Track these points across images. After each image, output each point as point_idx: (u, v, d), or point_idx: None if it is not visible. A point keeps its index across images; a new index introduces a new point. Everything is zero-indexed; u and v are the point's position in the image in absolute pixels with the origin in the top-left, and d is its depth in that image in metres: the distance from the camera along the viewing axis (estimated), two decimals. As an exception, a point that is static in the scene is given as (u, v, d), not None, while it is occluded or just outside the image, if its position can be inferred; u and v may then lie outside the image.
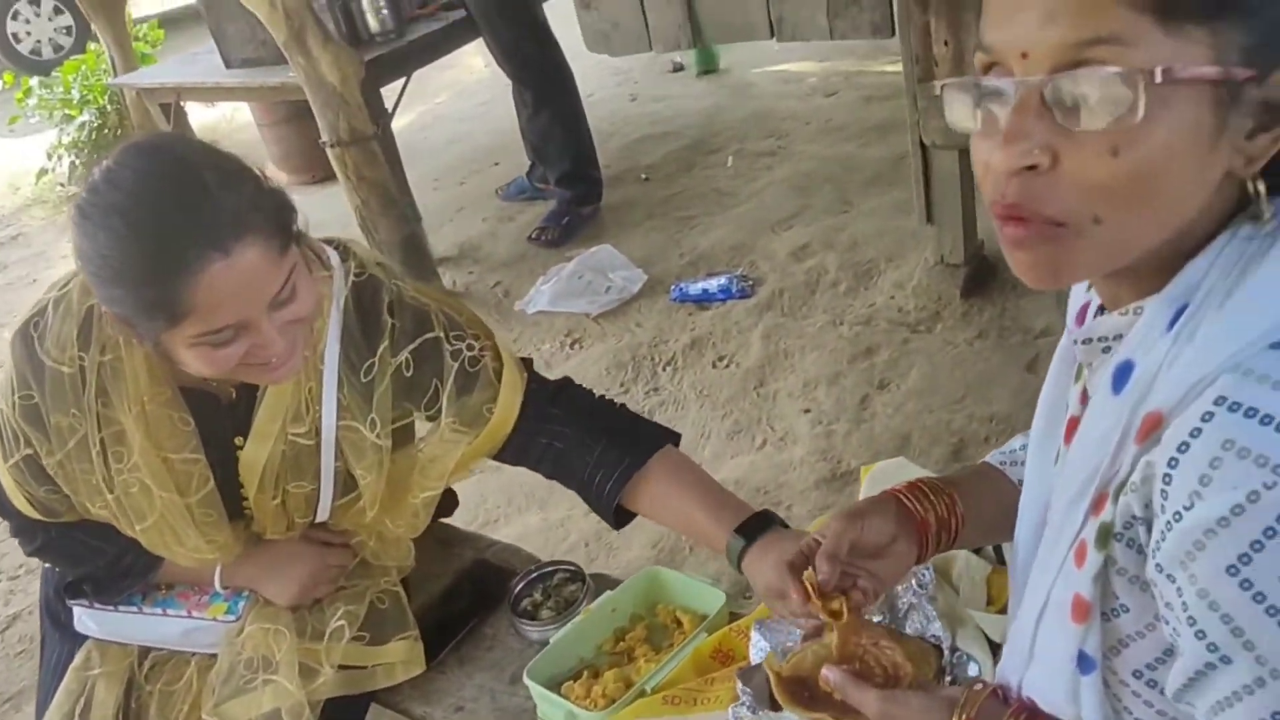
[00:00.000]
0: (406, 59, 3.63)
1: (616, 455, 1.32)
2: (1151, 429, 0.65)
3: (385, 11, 3.59)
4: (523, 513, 2.60)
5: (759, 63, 5.18)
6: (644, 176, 4.25)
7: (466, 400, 1.33)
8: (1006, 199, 0.66)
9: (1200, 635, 0.64)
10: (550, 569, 1.55)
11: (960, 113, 0.69)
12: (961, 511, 0.99)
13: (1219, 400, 0.61)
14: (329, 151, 3.26)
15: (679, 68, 5.41)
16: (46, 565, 1.49)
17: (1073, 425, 0.78)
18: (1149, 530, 0.66)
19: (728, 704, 1.18)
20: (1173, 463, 0.63)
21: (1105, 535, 0.69)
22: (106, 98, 5.33)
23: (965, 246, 2.92)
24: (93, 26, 5.10)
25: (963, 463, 2.39)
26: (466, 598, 1.59)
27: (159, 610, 1.41)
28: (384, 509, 1.40)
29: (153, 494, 1.27)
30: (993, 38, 0.66)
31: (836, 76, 4.85)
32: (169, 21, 7.29)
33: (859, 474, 2.47)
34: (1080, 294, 0.81)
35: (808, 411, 2.70)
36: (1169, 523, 0.63)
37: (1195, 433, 0.61)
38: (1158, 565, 0.65)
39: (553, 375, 1.44)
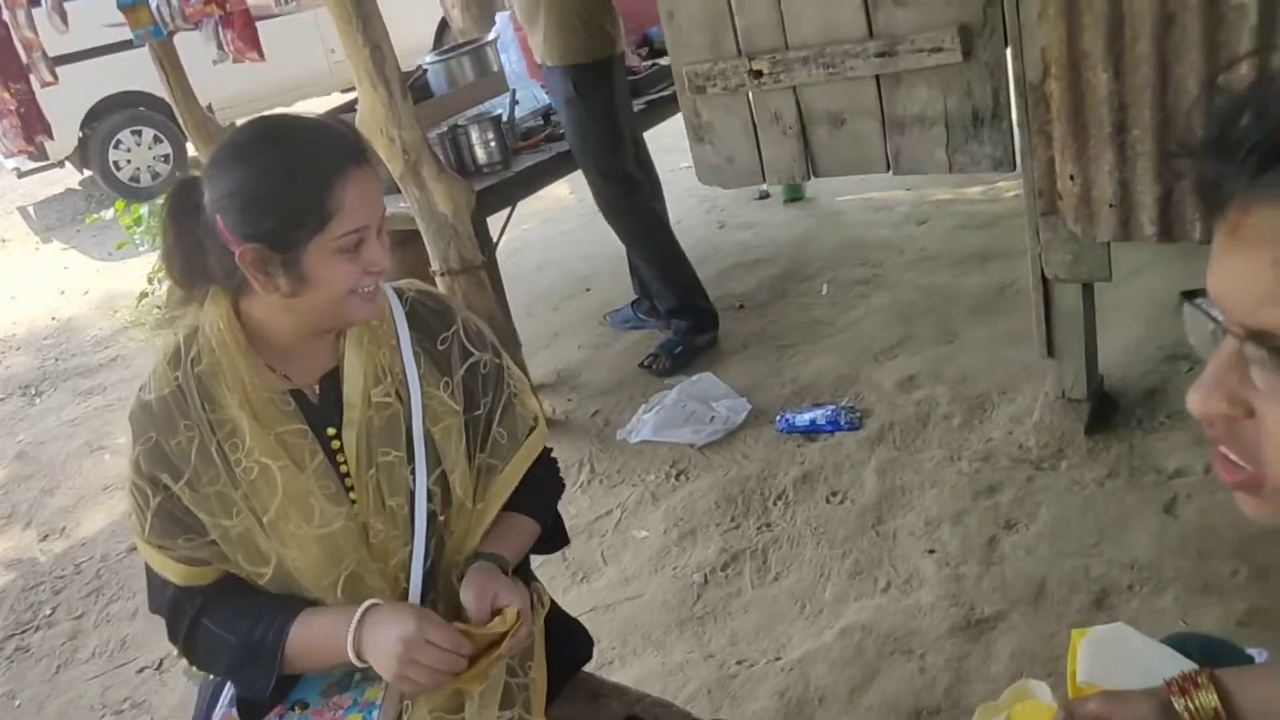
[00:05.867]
0: (512, 190, 3.70)
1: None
2: None
3: (493, 144, 3.68)
4: (639, 655, 2.50)
5: (845, 190, 5.20)
6: (739, 305, 4.24)
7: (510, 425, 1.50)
8: (1212, 432, 0.66)
9: None
10: (711, 731, 1.47)
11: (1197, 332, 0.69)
12: None
13: None
14: (439, 280, 3.30)
15: (764, 195, 5.45)
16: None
17: None
18: None
19: None
20: None
21: None
22: (209, 223, 5.52)
23: (1088, 381, 2.83)
24: (193, 154, 5.32)
25: (1106, 613, 2.26)
26: (618, 758, 1.51)
27: None
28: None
29: (272, 473, 1.32)
30: (1209, 279, 0.65)
31: (927, 204, 4.86)
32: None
33: (994, 622, 2.36)
34: None
35: (932, 552, 2.59)
36: None
37: None
38: None
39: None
